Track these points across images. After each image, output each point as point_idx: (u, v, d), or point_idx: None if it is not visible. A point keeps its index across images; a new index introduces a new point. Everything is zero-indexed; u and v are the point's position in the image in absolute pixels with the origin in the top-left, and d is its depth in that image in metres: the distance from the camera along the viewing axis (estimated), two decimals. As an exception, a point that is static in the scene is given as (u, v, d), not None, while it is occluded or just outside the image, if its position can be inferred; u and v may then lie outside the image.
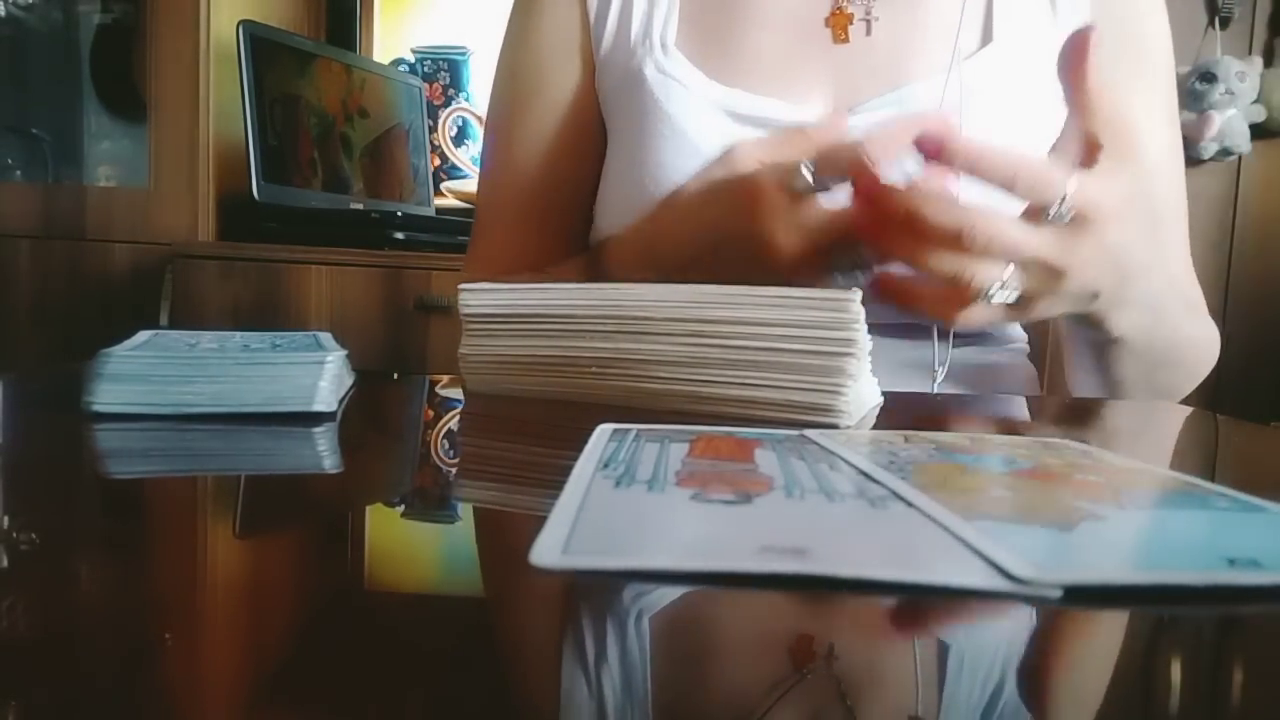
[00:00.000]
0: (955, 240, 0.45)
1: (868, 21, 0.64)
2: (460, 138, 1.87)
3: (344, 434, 0.38)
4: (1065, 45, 0.48)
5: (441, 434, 0.43)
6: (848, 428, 0.39)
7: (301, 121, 1.55)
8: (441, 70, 1.86)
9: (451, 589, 0.22)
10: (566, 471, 0.27)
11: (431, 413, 0.50)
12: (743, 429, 0.36)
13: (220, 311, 1.36)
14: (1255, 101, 1.83)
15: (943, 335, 0.61)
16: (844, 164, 0.50)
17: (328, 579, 0.22)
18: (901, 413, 0.48)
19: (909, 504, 0.24)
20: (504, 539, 0.26)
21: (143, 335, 0.46)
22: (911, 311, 0.50)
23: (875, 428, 0.42)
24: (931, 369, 0.61)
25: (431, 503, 0.30)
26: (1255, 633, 0.20)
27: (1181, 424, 0.53)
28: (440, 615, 0.20)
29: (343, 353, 0.43)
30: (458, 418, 0.47)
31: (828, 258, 0.52)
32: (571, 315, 0.44)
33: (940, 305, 0.49)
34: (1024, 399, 0.64)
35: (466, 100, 1.86)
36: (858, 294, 0.39)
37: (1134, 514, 0.24)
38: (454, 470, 0.36)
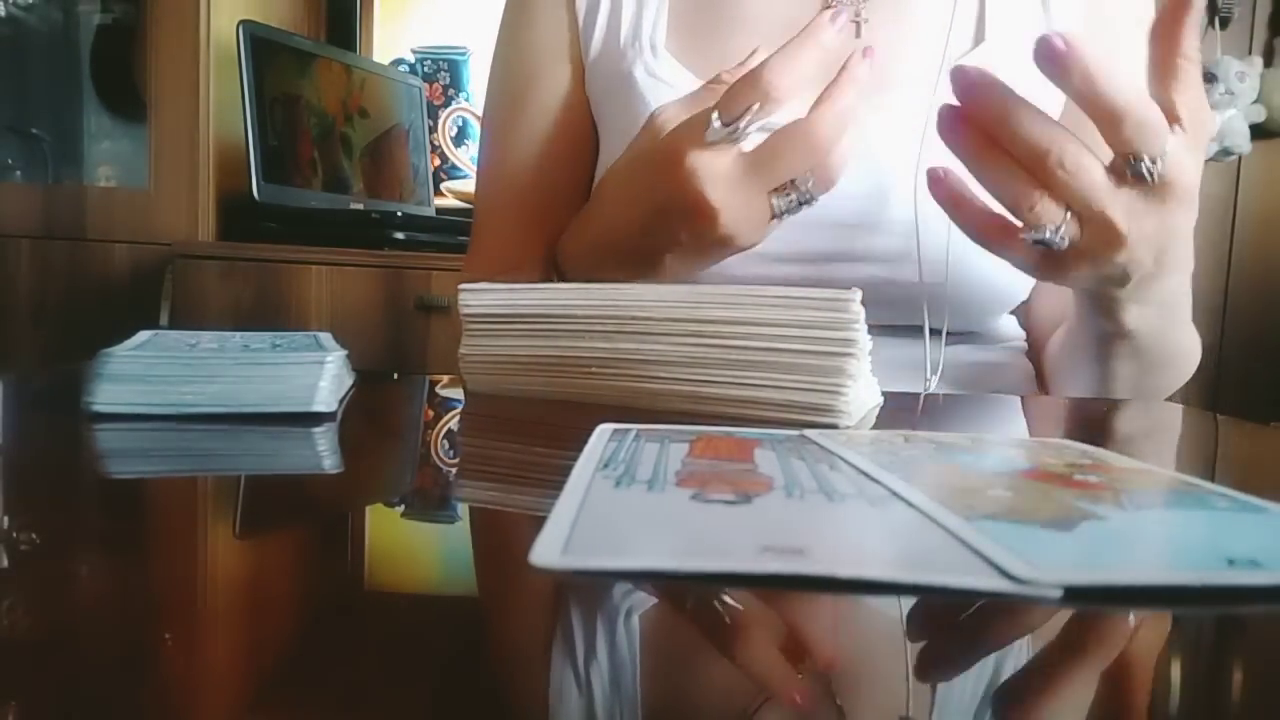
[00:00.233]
0: (1040, 160, 0.42)
1: (857, 23, 0.64)
2: (460, 138, 1.87)
3: (344, 434, 0.38)
4: (1164, 6, 0.44)
5: (441, 434, 0.43)
6: (848, 428, 0.39)
7: (301, 121, 1.55)
8: (441, 70, 1.86)
9: (451, 589, 0.22)
10: (566, 471, 0.27)
11: (431, 413, 0.50)
12: (743, 429, 0.36)
13: (220, 311, 1.36)
14: (1255, 101, 1.83)
15: (936, 334, 0.61)
16: (748, 101, 0.47)
17: (328, 579, 0.22)
18: (901, 413, 0.48)
19: (909, 504, 0.24)
20: (504, 539, 0.26)
21: (143, 335, 0.46)
22: (957, 222, 0.48)
23: (875, 428, 0.42)
24: (925, 368, 0.61)
25: (431, 503, 0.30)
26: (1255, 633, 0.20)
27: (1181, 424, 0.53)
28: (440, 616, 0.20)
29: (343, 353, 0.43)
30: (458, 418, 0.47)
31: (767, 203, 0.49)
32: (571, 315, 0.44)
33: (987, 228, 0.47)
34: (1023, 399, 0.64)
35: (466, 100, 1.86)
36: (857, 294, 0.39)
37: (1134, 514, 0.24)
38: (454, 470, 0.36)
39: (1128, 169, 0.43)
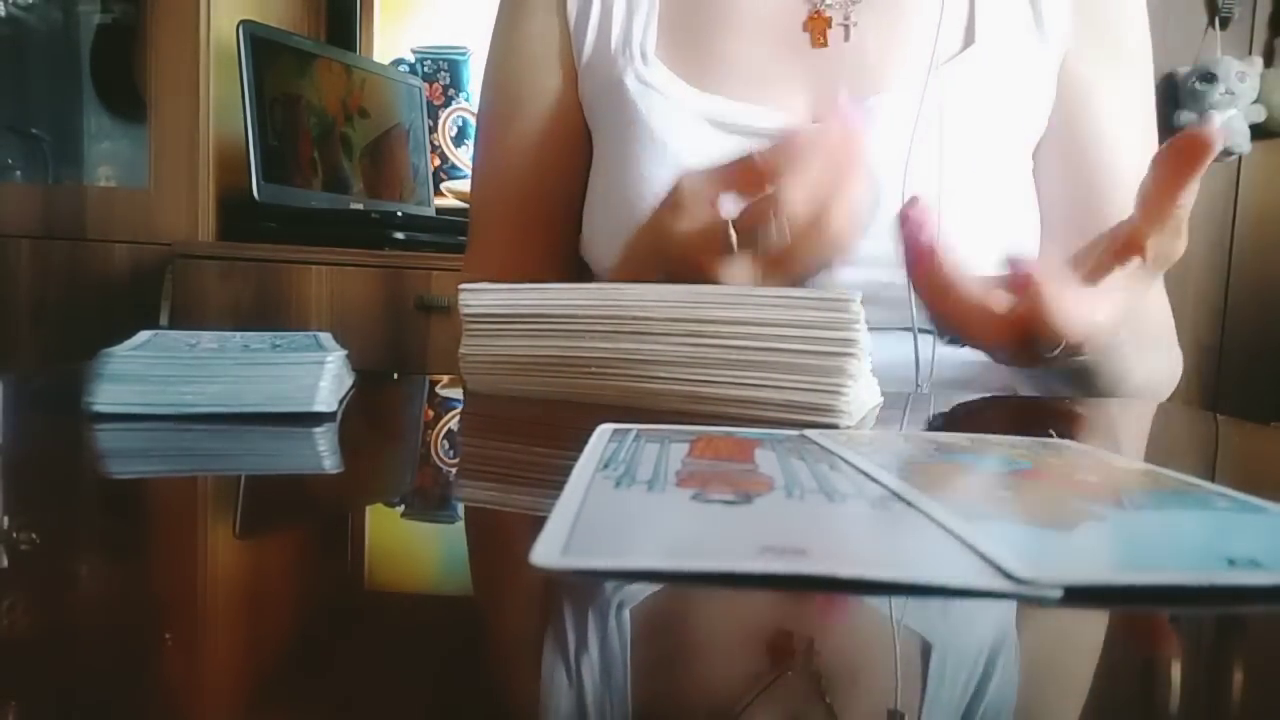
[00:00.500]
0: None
1: (846, 26, 0.64)
2: (460, 138, 1.87)
3: (344, 434, 0.38)
4: (1178, 140, 0.43)
5: (441, 434, 0.43)
6: (848, 428, 0.39)
7: (301, 121, 1.55)
8: (441, 70, 1.86)
9: (451, 589, 0.22)
10: (566, 471, 0.27)
11: (431, 413, 0.50)
12: (743, 429, 0.36)
13: (220, 311, 1.37)
14: (1255, 101, 1.83)
15: (926, 335, 0.61)
16: (764, 219, 0.47)
17: (328, 579, 0.22)
18: (901, 413, 0.48)
19: (909, 504, 0.24)
20: (504, 539, 0.26)
21: (143, 335, 0.46)
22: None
23: (875, 428, 0.42)
24: (915, 370, 0.61)
25: (431, 503, 0.30)
26: (1255, 633, 0.20)
27: (1182, 424, 0.53)
28: (440, 616, 0.20)
29: (343, 353, 0.43)
30: (458, 418, 0.47)
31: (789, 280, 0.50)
32: (571, 315, 0.44)
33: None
34: (1022, 399, 0.64)
35: (466, 100, 1.86)
36: (857, 294, 0.39)
37: (1134, 514, 0.24)
38: (454, 470, 0.36)
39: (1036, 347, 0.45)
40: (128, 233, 1.49)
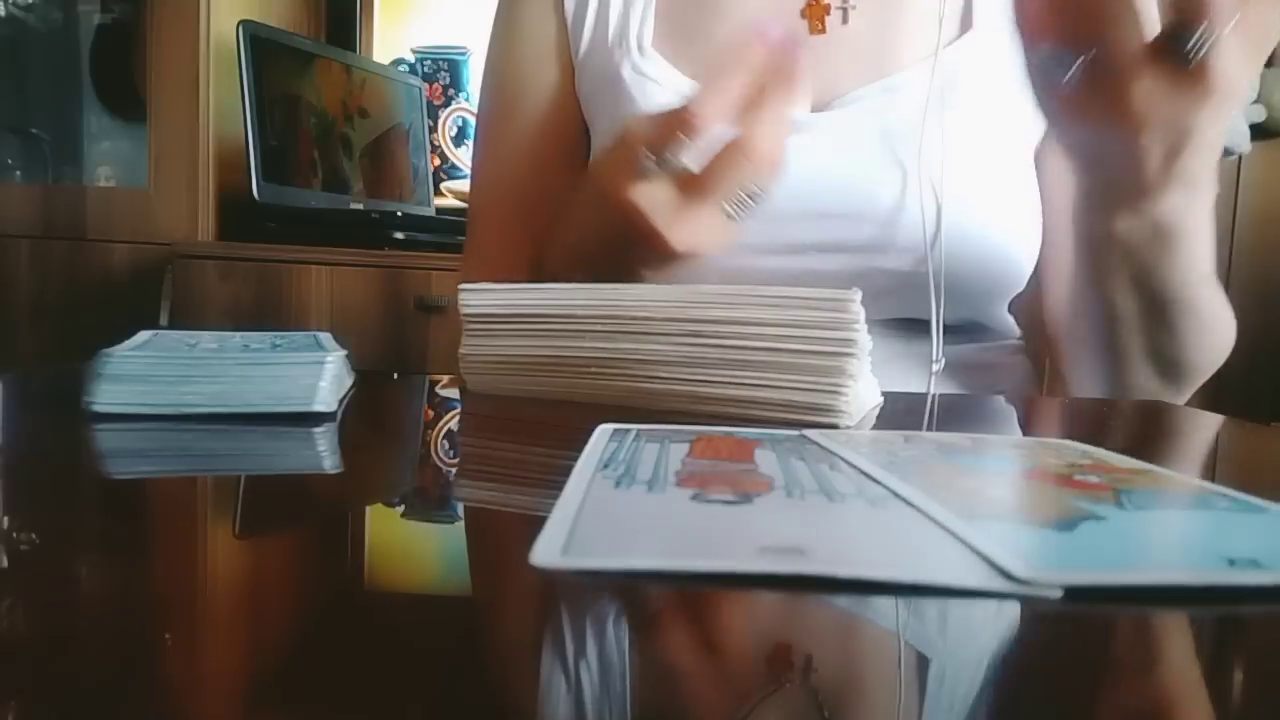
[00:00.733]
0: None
1: (844, 10, 0.64)
2: (460, 138, 1.87)
3: (344, 434, 0.38)
4: None
5: (441, 434, 0.43)
6: (848, 428, 0.39)
7: (301, 121, 1.55)
8: (441, 70, 1.86)
9: (451, 590, 0.22)
10: (566, 471, 0.27)
11: (431, 413, 0.50)
12: (743, 429, 0.36)
13: (220, 311, 1.37)
14: (1255, 101, 1.83)
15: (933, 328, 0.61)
16: (673, 135, 0.47)
17: (328, 579, 0.22)
18: (901, 413, 0.48)
19: (909, 504, 0.24)
20: (504, 539, 0.26)
21: (143, 335, 0.46)
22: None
23: (875, 428, 0.42)
24: (929, 363, 0.61)
25: (431, 503, 0.30)
26: (1255, 633, 0.20)
27: (1181, 424, 0.53)
28: (440, 616, 0.20)
29: (343, 353, 0.43)
30: (458, 418, 0.47)
31: (718, 212, 0.49)
32: (571, 315, 0.44)
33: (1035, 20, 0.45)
34: (1023, 399, 0.64)
35: (466, 100, 1.86)
36: (858, 294, 0.39)
37: (1134, 514, 0.24)
38: (454, 470, 0.36)
39: (1168, 42, 0.41)
40: (128, 233, 1.49)
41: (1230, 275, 1.90)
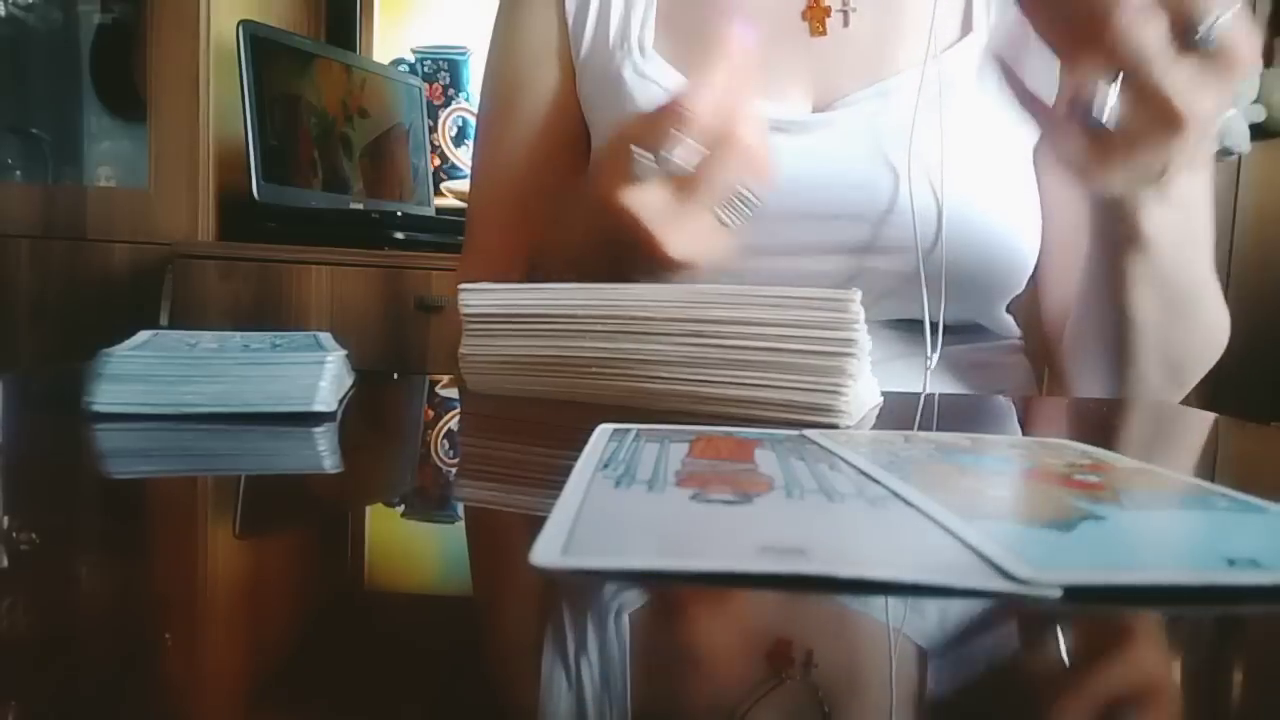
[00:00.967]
0: (1096, 24, 0.40)
1: (845, 13, 0.65)
2: (460, 138, 1.87)
3: (344, 434, 0.38)
4: None
5: (441, 434, 0.43)
6: (848, 428, 0.39)
7: (301, 121, 1.55)
8: (441, 70, 1.86)
9: (451, 589, 0.22)
10: (566, 471, 0.27)
11: (431, 413, 0.50)
12: (743, 429, 0.36)
13: (220, 311, 1.36)
14: (1255, 101, 1.83)
15: (935, 328, 0.61)
16: (663, 132, 0.46)
17: (328, 579, 0.22)
18: (901, 413, 0.48)
19: (909, 504, 0.24)
20: (504, 539, 0.26)
21: (143, 335, 0.46)
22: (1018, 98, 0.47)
23: (875, 428, 0.42)
24: (925, 363, 0.61)
25: (431, 503, 0.30)
26: (1255, 633, 0.20)
27: (1181, 424, 0.53)
28: (440, 616, 0.20)
29: (343, 353, 0.43)
30: (458, 418, 0.47)
31: (711, 218, 0.48)
32: (571, 315, 0.44)
33: (1037, 106, 0.46)
34: (1023, 399, 0.64)
35: (466, 100, 1.86)
36: (858, 294, 0.39)
37: (1134, 514, 0.24)
38: (454, 470, 0.36)
39: (1186, 35, 0.40)
40: (128, 233, 1.49)
41: (1230, 275, 1.90)
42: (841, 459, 0.30)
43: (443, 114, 1.86)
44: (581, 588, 0.20)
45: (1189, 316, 0.56)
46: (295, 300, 1.37)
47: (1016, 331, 0.72)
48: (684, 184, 0.47)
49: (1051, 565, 0.19)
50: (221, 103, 1.50)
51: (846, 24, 0.64)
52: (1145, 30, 0.40)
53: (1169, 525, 0.24)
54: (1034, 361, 0.71)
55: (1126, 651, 0.19)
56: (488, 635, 0.19)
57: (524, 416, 0.44)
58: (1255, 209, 1.92)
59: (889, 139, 0.61)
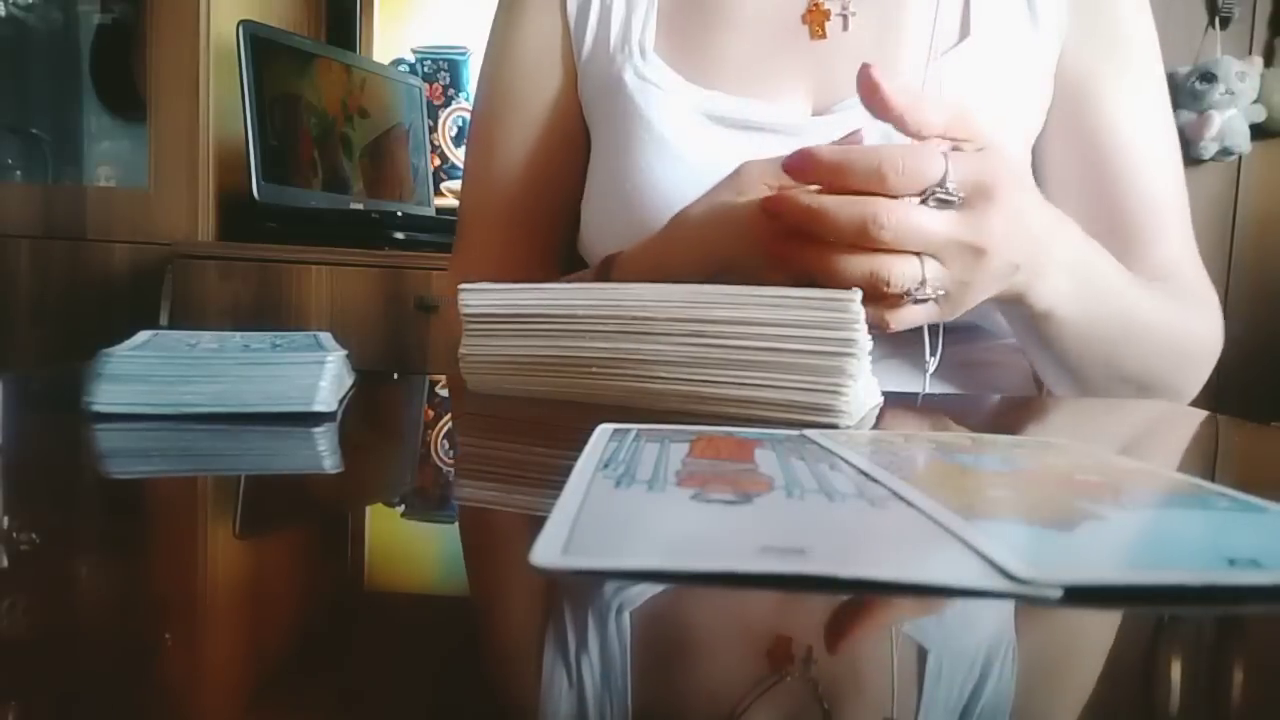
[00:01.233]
0: (862, 235, 0.43)
1: (844, 17, 0.65)
2: (460, 138, 1.87)
3: (344, 434, 0.38)
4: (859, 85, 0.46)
5: (441, 434, 0.43)
6: (848, 428, 0.39)
7: (301, 121, 1.55)
8: (441, 70, 1.86)
9: (451, 589, 0.22)
10: (566, 471, 0.27)
11: (431, 413, 0.50)
12: (743, 429, 0.36)
13: (220, 311, 1.36)
14: (1255, 101, 1.83)
15: (933, 330, 0.61)
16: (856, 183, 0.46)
17: (328, 579, 0.22)
18: (901, 413, 0.48)
19: (909, 504, 0.24)
20: (504, 539, 0.26)
21: (143, 335, 0.46)
22: None
23: (875, 428, 0.42)
24: (924, 364, 0.61)
25: (431, 503, 0.30)
26: (1255, 633, 0.20)
27: (1181, 424, 0.53)
28: (440, 616, 0.20)
29: (343, 353, 0.43)
30: (457, 418, 0.47)
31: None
32: (571, 315, 0.44)
33: (872, 314, 0.47)
34: (1023, 399, 0.64)
35: (466, 100, 1.86)
36: (858, 294, 0.39)
37: (1134, 514, 0.24)
38: (454, 470, 0.36)
39: (936, 202, 0.45)
40: (128, 233, 1.49)
41: (1230, 275, 1.90)
42: (842, 459, 0.30)
43: (443, 114, 1.86)
44: (581, 588, 0.20)
45: (1134, 344, 0.58)
46: (295, 300, 1.37)
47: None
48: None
49: (1051, 565, 0.19)
50: (221, 103, 1.50)
51: (846, 28, 0.65)
52: (909, 220, 0.44)
53: (1169, 525, 0.24)
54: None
55: (1127, 652, 0.19)
56: (488, 635, 0.19)
57: (524, 416, 0.44)
58: (1255, 209, 1.92)
59: (888, 142, 0.61)
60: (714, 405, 0.42)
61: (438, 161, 1.85)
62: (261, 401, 0.38)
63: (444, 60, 1.86)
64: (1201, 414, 0.53)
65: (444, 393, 0.54)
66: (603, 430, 0.34)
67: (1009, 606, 0.19)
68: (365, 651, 0.17)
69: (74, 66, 1.70)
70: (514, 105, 0.71)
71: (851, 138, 0.51)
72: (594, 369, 0.44)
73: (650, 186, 0.62)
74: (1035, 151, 0.68)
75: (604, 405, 0.44)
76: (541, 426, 0.43)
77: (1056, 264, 0.51)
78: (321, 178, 1.57)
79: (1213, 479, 0.28)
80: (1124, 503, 0.25)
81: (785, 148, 0.48)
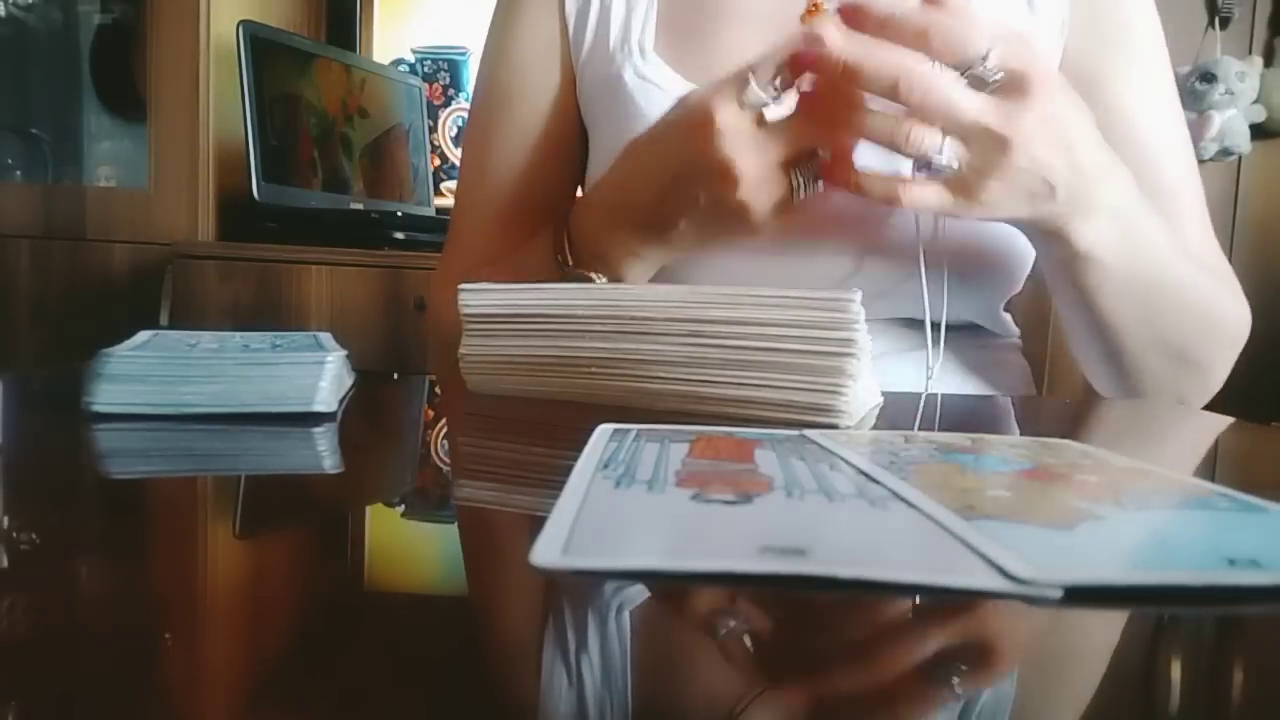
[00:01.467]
0: (891, 91, 0.44)
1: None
2: (460, 138, 1.87)
3: (344, 434, 0.38)
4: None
5: (441, 434, 0.43)
6: (848, 428, 0.39)
7: (301, 121, 1.55)
8: (441, 70, 1.86)
9: (451, 589, 0.22)
10: (566, 471, 0.27)
11: (431, 413, 0.50)
12: (743, 429, 0.36)
13: (220, 311, 1.36)
14: (1255, 101, 1.83)
15: (936, 327, 0.61)
16: (778, 61, 0.48)
17: (328, 579, 0.22)
18: (901, 413, 0.48)
19: (909, 504, 0.24)
20: (504, 539, 0.26)
21: (143, 335, 0.46)
22: (862, 194, 0.50)
23: (875, 428, 0.42)
24: (926, 361, 0.61)
25: (431, 503, 0.30)
26: (1255, 633, 0.20)
27: (1182, 424, 0.53)
28: (440, 616, 0.20)
29: (343, 353, 0.43)
30: (457, 418, 0.47)
31: (787, 173, 0.50)
32: (571, 315, 0.44)
33: (885, 183, 0.49)
34: (1023, 399, 0.64)
35: (466, 100, 1.86)
36: (858, 294, 0.39)
37: (1134, 514, 0.24)
38: (454, 470, 0.36)
39: (971, 78, 0.45)
40: (128, 233, 1.49)
41: (1230, 275, 1.90)
42: (841, 459, 0.30)
43: (443, 114, 1.86)
44: (581, 588, 0.20)
45: (1171, 306, 0.58)
46: (295, 300, 1.37)
47: (1016, 331, 0.72)
48: (774, 126, 0.48)
49: (1051, 565, 0.19)
50: (221, 103, 1.50)
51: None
52: (941, 90, 0.45)
53: (1169, 525, 0.24)
54: (1034, 361, 0.71)
55: (1127, 652, 0.19)
56: (488, 636, 0.19)
57: (524, 416, 0.44)
58: (1255, 209, 1.92)
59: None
60: (713, 405, 0.42)
61: (438, 161, 1.85)
62: (261, 402, 0.38)
63: (444, 60, 1.86)
64: (1202, 414, 0.53)
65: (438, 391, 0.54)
66: (602, 430, 0.34)
67: (1009, 607, 0.19)
68: (365, 651, 0.17)
69: (74, 66, 1.70)
70: (510, 104, 0.71)
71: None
72: (593, 369, 0.44)
73: None
74: None
75: (603, 405, 0.44)
76: (541, 426, 0.43)
77: (1102, 206, 0.50)
78: (321, 178, 1.57)
79: (1213, 479, 0.28)
80: (1124, 503, 0.25)
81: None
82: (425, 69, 1.86)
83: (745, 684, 0.16)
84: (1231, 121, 1.81)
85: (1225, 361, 0.63)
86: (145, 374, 0.38)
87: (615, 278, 0.57)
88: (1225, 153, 1.84)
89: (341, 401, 0.42)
